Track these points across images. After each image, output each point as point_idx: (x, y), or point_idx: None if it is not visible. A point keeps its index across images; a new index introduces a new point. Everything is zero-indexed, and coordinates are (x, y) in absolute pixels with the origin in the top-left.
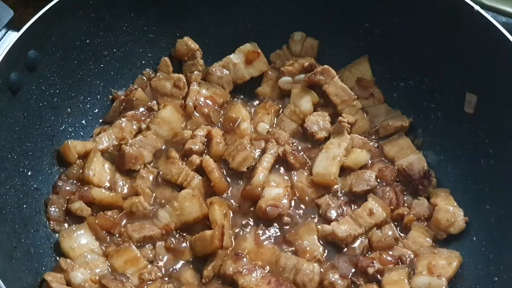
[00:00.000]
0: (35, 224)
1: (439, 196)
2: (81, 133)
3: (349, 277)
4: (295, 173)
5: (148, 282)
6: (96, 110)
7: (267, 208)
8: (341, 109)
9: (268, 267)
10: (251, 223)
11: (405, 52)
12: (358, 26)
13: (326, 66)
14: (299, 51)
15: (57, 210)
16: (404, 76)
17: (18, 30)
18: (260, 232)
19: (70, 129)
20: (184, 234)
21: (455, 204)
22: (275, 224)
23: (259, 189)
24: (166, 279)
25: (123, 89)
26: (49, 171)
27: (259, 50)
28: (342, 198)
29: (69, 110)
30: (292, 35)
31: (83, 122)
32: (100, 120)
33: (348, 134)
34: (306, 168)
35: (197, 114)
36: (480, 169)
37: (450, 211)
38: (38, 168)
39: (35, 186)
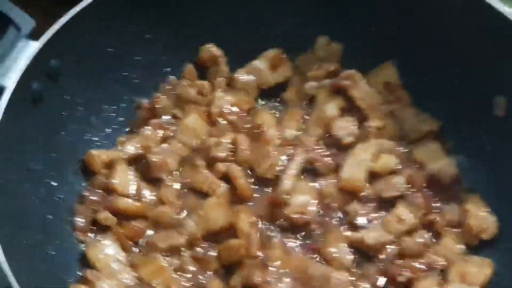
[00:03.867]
0: (59, 235)
1: (470, 201)
2: (105, 142)
3: (379, 286)
4: (322, 179)
5: None
6: (121, 119)
7: (294, 216)
8: (368, 114)
9: (296, 276)
10: (278, 231)
11: (434, 54)
12: (384, 28)
13: (352, 70)
14: (324, 56)
15: (83, 220)
16: (433, 78)
17: (37, 39)
18: (287, 240)
19: (94, 139)
20: (210, 244)
21: (487, 209)
22: (303, 232)
23: (285, 196)
24: None
25: (147, 97)
26: (74, 181)
27: (284, 56)
28: (370, 204)
29: (92, 119)
30: (317, 40)
31: (108, 130)
32: (125, 129)
33: (375, 139)
34: (333, 174)
35: (222, 121)
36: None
37: (482, 217)
38: (63, 179)
39: (60, 196)
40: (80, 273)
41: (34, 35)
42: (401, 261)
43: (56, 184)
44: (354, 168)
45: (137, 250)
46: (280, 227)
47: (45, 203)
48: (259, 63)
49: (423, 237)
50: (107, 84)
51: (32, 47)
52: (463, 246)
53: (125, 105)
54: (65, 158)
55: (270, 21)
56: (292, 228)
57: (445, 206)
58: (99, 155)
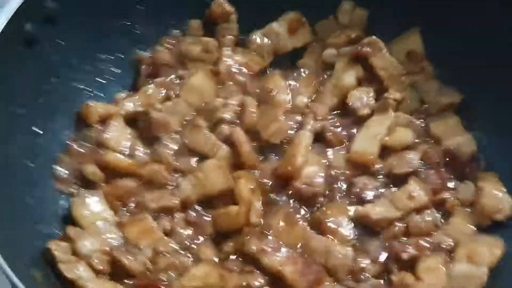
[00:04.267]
0: (40, 185)
1: (486, 180)
2: (101, 95)
3: (381, 262)
4: (332, 150)
5: (162, 255)
6: (118, 71)
7: (302, 187)
8: (388, 85)
9: (296, 248)
10: (283, 201)
11: (462, 24)
12: None
13: (374, 37)
14: (347, 22)
15: (66, 171)
16: (459, 50)
17: None
18: (292, 211)
19: (88, 89)
20: (205, 208)
21: (504, 189)
22: (308, 204)
23: (298, 166)
24: (183, 252)
25: (148, 50)
26: (62, 131)
27: (304, 19)
28: (380, 179)
29: (88, 68)
30: (341, 5)
31: (103, 82)
32: (118, 82)
33: (393, 111)
34: (344, 146)
35: (231, 82)
36: None
37: (498, 197)
38: (49, 127)
39: (46, 145)
40: (61, 230)
41: None
42: (408, 239)
43: (41, 132)
44: (367, 141)
45: (126, 210)
46: (285, 197)
47: (30, 151)
48: (277, 26)
49: (433, 216)
50: (105, 32)
51: None
52: (473, 227)
53: (123, 56)
54: (54, 106)
55: None
56: (298, 199)
57: (459, 184)
58: (96, 108)
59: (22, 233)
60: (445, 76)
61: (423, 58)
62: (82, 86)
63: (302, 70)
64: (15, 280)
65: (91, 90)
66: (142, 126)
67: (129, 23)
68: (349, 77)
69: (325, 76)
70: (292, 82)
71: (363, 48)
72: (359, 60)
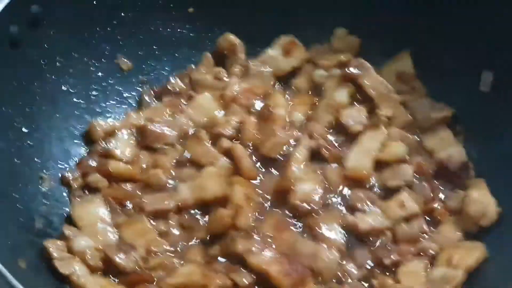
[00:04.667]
0: (26, 181)
1: (474, 187)
2: (81, 96)
3: (366, 267)
4: (328, 166)
5: (154, 255)
6: (100, 74)
7: (299, 204)
8: (379, 103)
9: (282, 249)
10: (277, 211)
11: (454, 42)
12: (400, 19)
13: (361, 59)
14: (339, 47)
15: (69, 174)
16: (451, 66)
17: None
18: (284, 220)
19: (72, 90)
20: (200, 213)
21: (488, 194)
22: (303, 218)
23: (292, 181)
24: (172, 255)
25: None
26: (48, 129)
27: (296, 40)
28: (375, 191)
29: (71, 71)
30: (335, 31)
31: (85, 86)
32: (103, 83)
33: (386, 128)
34: (340, 162)
35: (235, 105)
36: None
37: (481, 202)
38: (35, 126)
39: (29, 143)
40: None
41: None
42: (394, 246)
43: (26, 130)
44: (360, 157)
45: (124, 211)
46: (281, 210)
47: (13, 148)
48: (273, 51)
49: (420, 224)
50: (91, 39)
51: None
52: (461, 234)
53: (106, 62)
54: (41, 106)
55: (285, 10)
56: (294, 214)
57: (450, 194)
58: (101, 125)
59: (20, 234)
60: (436, 93)
61: (413, 78)
62: (66, 88)
63: (297, 90)
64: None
65: (74, 92)
66: (140, 136)
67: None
68: (341, 94)
69: (317, 97)
70: (289, 98)
71: (352, 69)
72: (349, 81)
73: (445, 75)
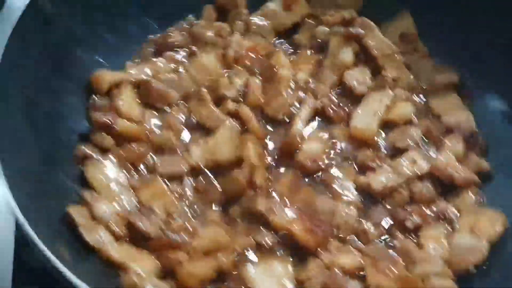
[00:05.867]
0: (60, 157)
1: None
2: (113, 68)
3: (383, 225)
4: (334, 127)
5: (175, 217)
6: (131, 47)
7: (308, 162)
8: (383, 64)
9: (302, 207)
10: (288, 170)
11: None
12: None
13: (365, 18)
14: (342, 2)
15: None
16: (456, 27)
17: None
18: (297, 178)
19: (101, 61)
20: (215, 174)
21: None
22: (313, 175)
23: (298, 139)
24: (190, 216)
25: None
26: (76, 103)
27: None
28: (383, 151)
29: (101, 44)
30: None
31: (117, 55)
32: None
33: (391, 90)
34: (346, 122)
35: (239, 67)
36: None
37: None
38: (65, 99)
39: (63, 115)
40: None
41: None
42: (411, 206)
43: (61, 102)
44: (366, 117)
45: (138, 173)
46: (292, 168)
47: (48, 120)
48: (272, 5)
49: (435, 184)
50: (120, 11)
51: None
52: (476, 196)
53: (139, 32)
54: (71, 77)
55: None
56: (303, 172)
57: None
58: (105, 76)
59: (43, 201)
60: (439, 54)
61: (416, 38)
62: (96, 58)
63: (300, 46)
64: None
65: (107, 63)
66: (143, 94)
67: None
68: (346, 53)
69: (320, 54)
70: (293, 58)
71: (355, 29)
72: (353, 40)
73: (447, 34)
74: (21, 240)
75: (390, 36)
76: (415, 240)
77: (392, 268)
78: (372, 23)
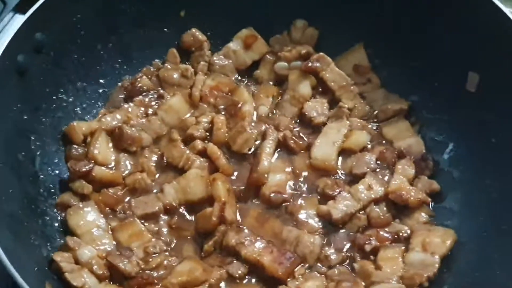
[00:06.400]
0: (42, 203)
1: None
2: (87, 117)
3: (344, 251)
4: (296, 157)
5: (153, 255)
6: (102, 94)
7: (271, 195)
8: (339, 95)
9: (270, 239)
10: (255, 205)
11: (408, 34)
12: (358, 11)
13: (321, 53)
14: (298, 39)
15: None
16: (405, 58)
17: (24, 13)
18: (263, 211)
19: (75, 110)
20: (188, 213)
21: None
22: (278, 208)
23: (265, 175)
24: (167, 253)
25: (130, 77)
26: (54, 151)
27: (256, 34)
28: (342, 178)
29: (74, 92)
30: (294, 22)
31: (89, 103)
32: (105, 105)
33: (347, 119)
34: (307, 152)
35: (203, 104)
36: (483, 147)
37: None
38: (44, 148)
39: (40, 166)
40: (61, 240)
41: (22, 9)
42: (368, 230)
43: (39, 152)
44: (326, 147)
45: (115, 216)
46: (258, 201)
47: (27, 172)
48: (233, 45)
49: (389, 206)
50: (90, 59)
51: (17, 21)
52: (427, 216)
53: (107, 82)
54: (47, 129)
55: (248, 3)
56: (268, 205)
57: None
58: (80, 127)
59: (27, 248)
60: (391, 84)
61: (369, 70)
62: (69, 108)
63: (260, 81)
64: None
65: (77, 111)
66: (117, 139)
67: (110, 52)
68: (304, 86)
69: (280, 87)
70: (253, 91)
71: (313, 63)
72: (310, 74)
73: (401, 65)
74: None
75: (345, 68)
76: (372, 262)
77: None
78: (327, 57)
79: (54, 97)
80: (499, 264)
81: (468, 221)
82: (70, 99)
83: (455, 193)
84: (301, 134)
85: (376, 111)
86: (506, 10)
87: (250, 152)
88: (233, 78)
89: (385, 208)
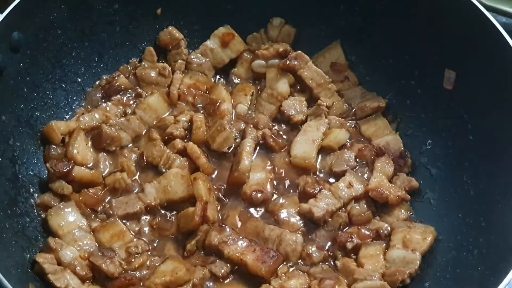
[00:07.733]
0: (22, 204)
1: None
2: (65, 116)
3: (326, 249)
4: (275, 155)
5: (135, 255)
6: (80, 93)
7: (252, 194)
8: (317, 93)
9: (252, 238)
10: (236, 203)
11: (384, 32)
12: (334, 9)
13: (299, 51)
14: (275, 37)
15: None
16: (382, 56)
17: (1, 13)
18: (245, 210)
19: (53, 109)
20: (169, 212)
21: None
22: (259, 206)
23: (246, 174)
24: (149, 253)
25: (107, 76)
26: (33, 152)
27: (233, 32)
28: (321, 176)
29: (52, 91)
30: (271, 20)
31: (67, 103)
32: (83, 103)
33: (325, 117)
34: (286, 150)
35: (182, 103)
36: (460, 144)
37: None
38: (23, 149)
39: (19, 167)
40: (43, 241)
41: None
42: (349, 227)
43: (17, 153)
44: (306, 146)
45: (96, 216)
46: (238, 200)
47: (6, 173)
48: (211, 43)
49: (370, 204)
50: (67, 58)
51: None
52: (407, 212)
53: (84, 80)
54: (25, 129)
55: (224, 2)
56: (250, 204)
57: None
58: (58, 127)
59: (9, 249)
60: (368, 82)
61: (346, 68)
62: (47, 107)
63: (238, 79)
64: None
65: (55, 111)
66: (95, 139)
67: (87, 51)
68: (282, 84)
69: (258, 85)
70: (231, 89)
71: (291, 61)
72: (288, 72)
73: (378, 62)
74: None
75: (322, 66)
76: (354, 259)
77: (337, 287)
78: (305, 55)
79: (31, 97)
80: (480, 260)
81: (447, 217)
82: (48, 99)
83: (434, 190)
84: (280, 132)
85: (354, 109)
86: (481, 7)
87: (229, 151)
88: (211, 77)
89: (365, 206)
